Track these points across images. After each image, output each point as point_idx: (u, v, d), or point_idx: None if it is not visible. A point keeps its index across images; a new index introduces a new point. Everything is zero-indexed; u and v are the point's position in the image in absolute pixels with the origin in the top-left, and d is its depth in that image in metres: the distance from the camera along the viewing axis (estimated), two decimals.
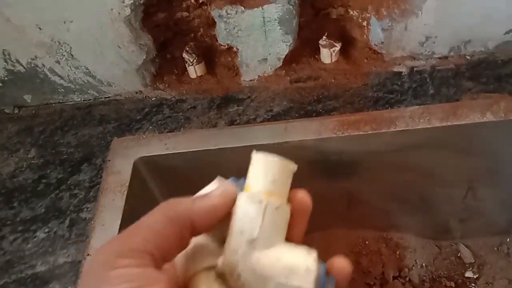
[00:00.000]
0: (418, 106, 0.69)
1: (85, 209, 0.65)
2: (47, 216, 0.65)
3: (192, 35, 0.81)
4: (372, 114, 0.69)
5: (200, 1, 0.75)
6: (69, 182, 0.69)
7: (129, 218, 0.63)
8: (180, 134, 0.72)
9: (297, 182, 0.28)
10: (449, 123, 0.67)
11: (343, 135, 0.67)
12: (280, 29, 0.70)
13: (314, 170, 0.75)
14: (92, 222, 0.62)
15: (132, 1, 0.66)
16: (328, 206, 0.84)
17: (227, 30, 0.71)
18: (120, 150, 0.72)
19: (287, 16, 0.68)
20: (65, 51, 0.73)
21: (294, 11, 0.68)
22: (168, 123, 0.75)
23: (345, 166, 0.75)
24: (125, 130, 0.75)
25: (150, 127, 0.75)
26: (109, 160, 0.70)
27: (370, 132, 0.67)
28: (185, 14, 0.77)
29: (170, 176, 0.72)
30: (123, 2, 0.66)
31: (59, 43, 0.72)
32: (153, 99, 0.80)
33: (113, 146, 0.73)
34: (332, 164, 0.74)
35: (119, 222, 0.61)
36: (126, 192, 0.65)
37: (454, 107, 0.68)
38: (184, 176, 0.71)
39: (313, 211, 0.27)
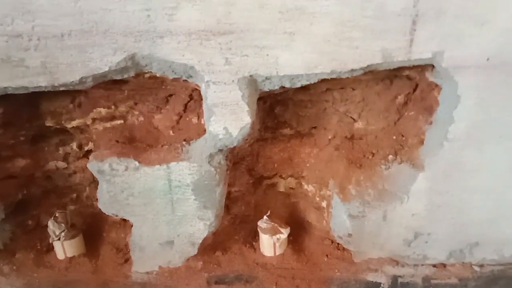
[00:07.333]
0: None
1: None
2: None
3: (75, 195, 0.55)
4: None
5: (86, 149, 0.51)
6: None
7: None
8: None
9: None
10: None
11: None
12: (196, 199, 0.45)
13: None
14: None
15: None
16: None
17: (111, 193, 0.45)
18: None
19: (206, 182, 0.44)
20: None
21: (217, 176, 0.44)
22: None
23: None
24: None
25: None
26: None
27: None
28: (61, 164, 0.52)
29: None
30: None
31: None
32: None
33: None
34: None
35: None
36: None
37: None
38: None
39: None
